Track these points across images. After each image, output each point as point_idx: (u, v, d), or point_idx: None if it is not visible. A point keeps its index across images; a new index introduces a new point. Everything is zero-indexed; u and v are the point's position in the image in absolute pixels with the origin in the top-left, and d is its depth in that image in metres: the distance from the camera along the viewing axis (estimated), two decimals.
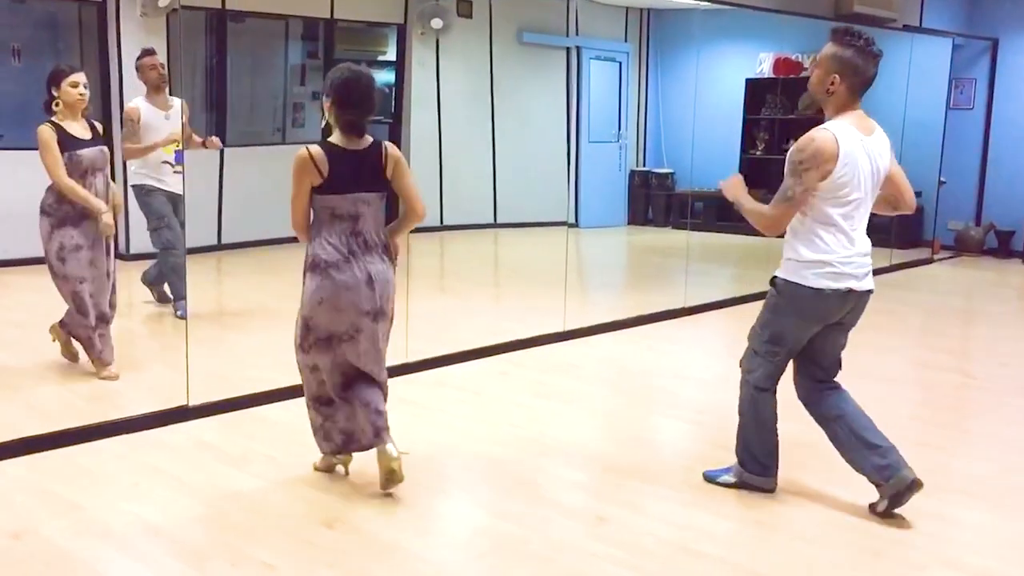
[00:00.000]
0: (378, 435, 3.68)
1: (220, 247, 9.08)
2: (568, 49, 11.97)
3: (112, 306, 5.27)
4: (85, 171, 5.03)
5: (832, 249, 3.55)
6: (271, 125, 11.18)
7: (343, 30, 10.95)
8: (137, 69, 6.64)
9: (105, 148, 5.19)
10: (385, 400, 3.80)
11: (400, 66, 11.03)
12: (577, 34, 12.00)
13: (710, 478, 3.95)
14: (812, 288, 3.56)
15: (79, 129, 5.08)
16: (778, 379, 3.80)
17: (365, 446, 3.79)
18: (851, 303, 3.62)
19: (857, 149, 3.50)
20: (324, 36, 10.57)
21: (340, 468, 3.94)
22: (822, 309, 3.61)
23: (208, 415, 4.59)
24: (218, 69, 9.66)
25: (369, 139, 3.71)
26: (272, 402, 4.82)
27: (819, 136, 3.49)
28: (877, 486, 3.64)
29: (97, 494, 3.69)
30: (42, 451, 4.07)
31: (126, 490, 3.74)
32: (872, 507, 3.67)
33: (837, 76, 3.51)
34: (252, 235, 9.29)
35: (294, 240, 3.80)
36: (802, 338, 3.70)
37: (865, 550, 3.38)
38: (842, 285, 3.56)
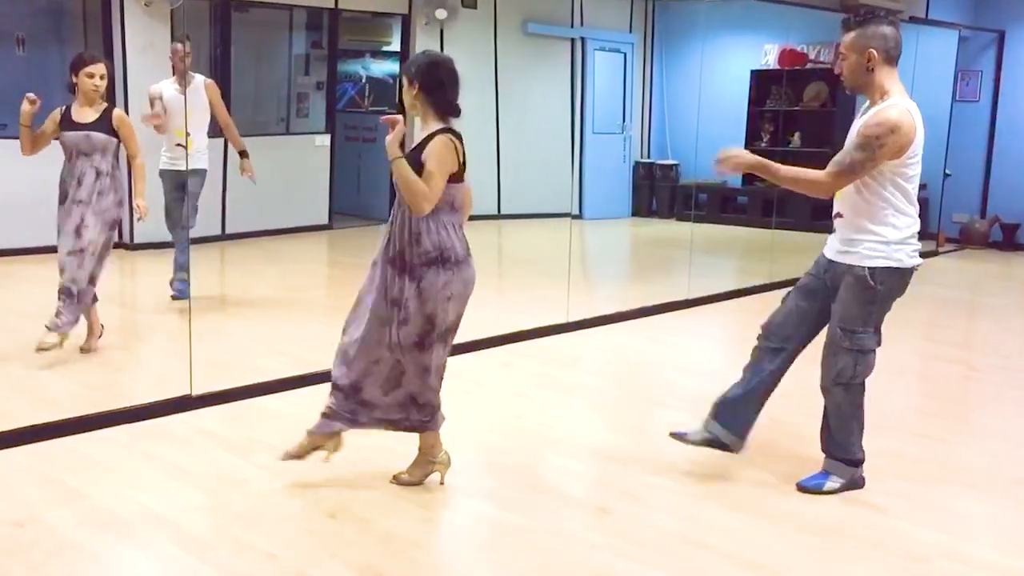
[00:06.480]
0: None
1: (224, 237, 9.08)
2: (573, 40, 11.95)
3: (83, 281, 5.21)
4: (70, 153, 5.24)
5: (913, 223, 3.53)
6: (275, 115, 11.18)
7: (347, 20, 10.94)
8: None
9: (93, 134, 5.21)
10: None
11: (404, 56, 11.02)
12: (582, 25, 11.98)
13: (812, 489, 3.72)
14: (909, 268, 3.53)
15: (85, 114, 5.23)
16: None
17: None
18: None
19: (919, 121, 3.48)
20: (328, 26, 10.55)
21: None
22: (905, 287, 3.59)
23: (211, 404, 4.59)
24: (222, 59, 9.65)
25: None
26: (275, 392, 4.82)
27: (896, 113, 3.43)
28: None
29: (100, 483, 3.70)
30: (46, 440, 4.08)
31: (129, 479, 3.75)
32: None
33: (873, 51, 3.48)
34: (256, 225, 9.30)
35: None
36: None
37: (869, 542, 3.38)
38: (918, 260, 3.56)
